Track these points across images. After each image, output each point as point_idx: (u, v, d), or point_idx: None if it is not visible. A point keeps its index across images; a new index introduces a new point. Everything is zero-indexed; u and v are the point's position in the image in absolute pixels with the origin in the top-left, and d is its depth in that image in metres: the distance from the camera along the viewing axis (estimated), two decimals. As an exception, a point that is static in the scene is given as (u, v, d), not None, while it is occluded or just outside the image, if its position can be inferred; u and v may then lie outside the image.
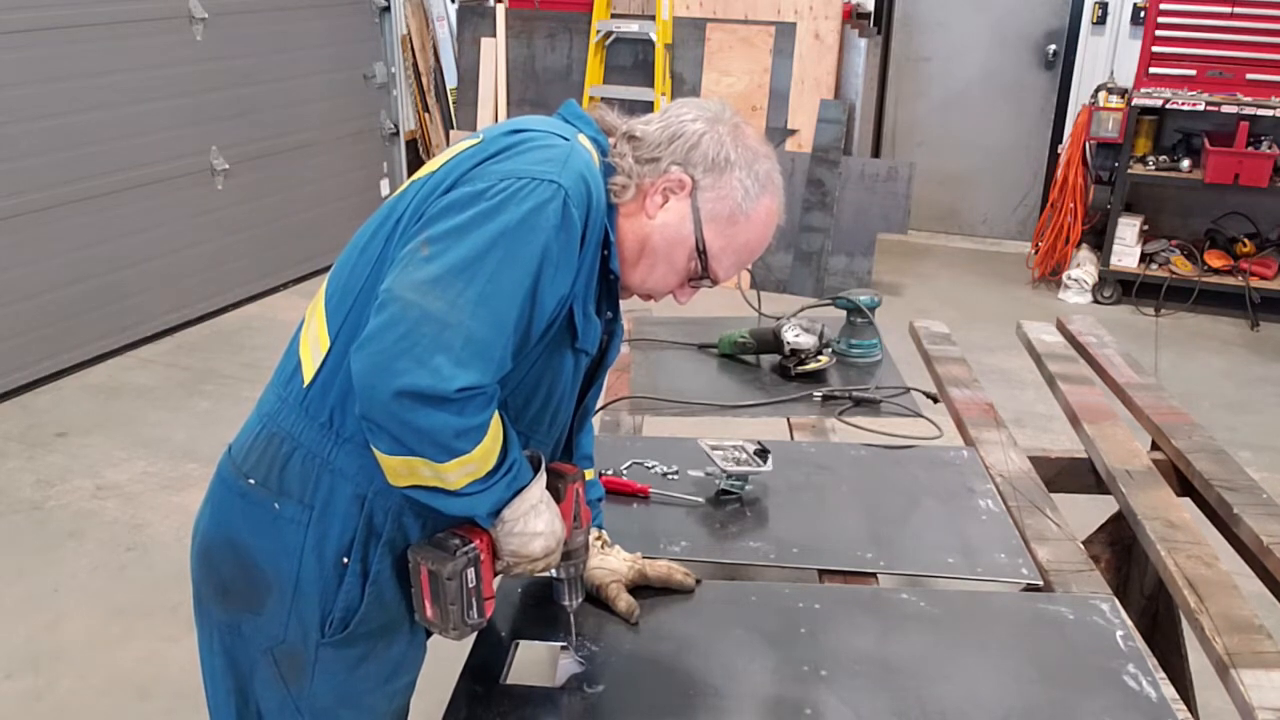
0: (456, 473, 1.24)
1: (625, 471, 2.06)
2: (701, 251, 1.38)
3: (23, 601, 3.09)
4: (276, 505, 1.35)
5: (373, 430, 1.22)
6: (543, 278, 1.23)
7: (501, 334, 1.21)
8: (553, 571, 1.48)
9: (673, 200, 1.37)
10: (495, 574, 1.39)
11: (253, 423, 1.41)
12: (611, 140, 1.40)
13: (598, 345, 1.44)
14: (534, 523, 1.34)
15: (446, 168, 1.31)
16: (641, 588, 1.65)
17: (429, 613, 1.35)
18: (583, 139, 1.35)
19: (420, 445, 1.20)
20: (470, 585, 1.33)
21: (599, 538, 1.67)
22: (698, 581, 1.68)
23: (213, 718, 1.51)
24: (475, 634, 1.39)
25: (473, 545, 1.33)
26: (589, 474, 1.68)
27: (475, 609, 1.35)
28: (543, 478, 1.37)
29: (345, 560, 1.34)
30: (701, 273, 1.40)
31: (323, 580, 1.35)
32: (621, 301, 1.48)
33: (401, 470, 1.25)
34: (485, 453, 1.25)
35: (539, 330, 1.28)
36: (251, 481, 1.36)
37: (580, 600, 1.53)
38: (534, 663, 1.55)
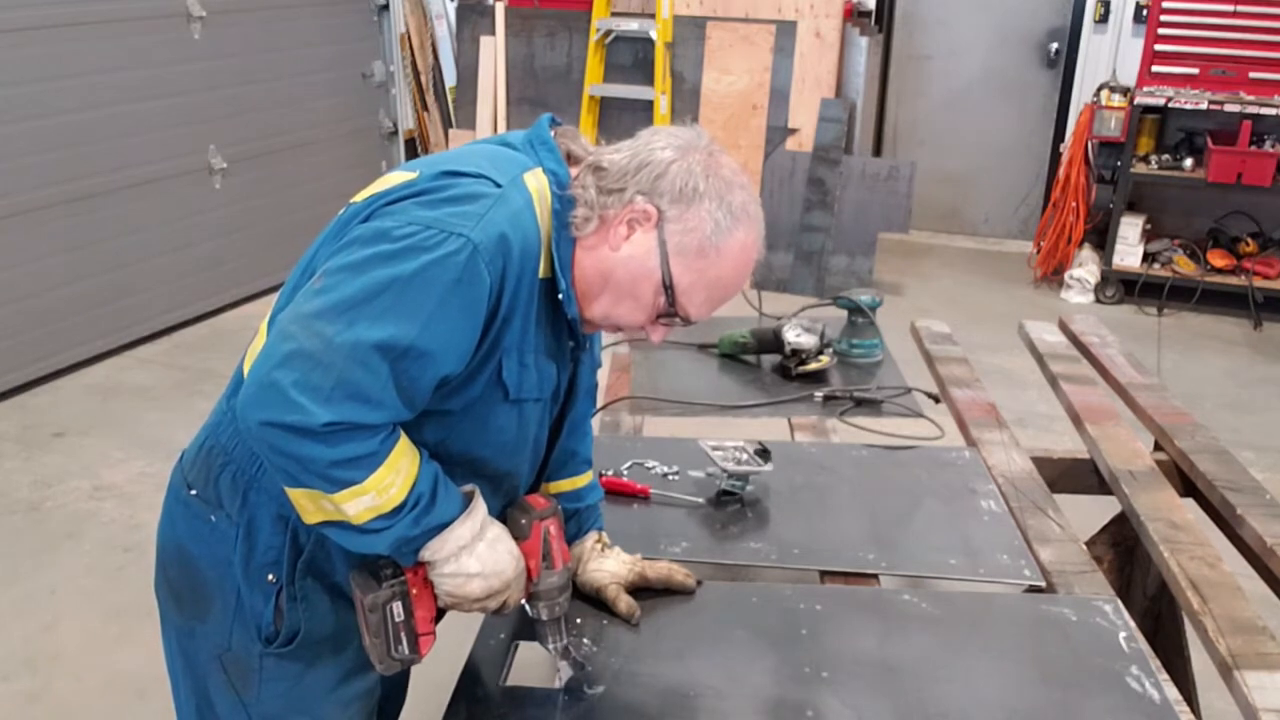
0: (353, 505, 1.21)
1: (625, 472, 2.05)
2: (668, 286, 1.31)
3: (20, 602, 3.08)
4: (212, 518, 1.36)
5: (265, 461, 1.23)
6: (430, 333, 1.18)
7: (376, 378, 1.17)
8: (528, 611, 1.44)
9: (638, 232, 1.30)
10: (439, 610, 1.36)
11: (200, 432, 1.42)
12: (574, 171, 1.34)
13: (553, 386, 1.39)
14: (467, 563, 1.30)
15: (375, 196, 1.29)
16: (642, 589, 1.64)
17: (364, 640, 1.32)
18: (532, 176, 1.30)
19: (303, 475, 1.19)
20: (397, 619, 1.30)
21: (599, 540, 1.65)
22: (699, 583, 1.66)
23: (178, 718, 1.52)
24: (406, 665, 1.34)
25: (402, 578, 1.30)
26: (587, 477, 1.66)
27: (405, 644, 1.31)
28: (477, 516, 1.32)
29: (271, 578, 1.35)
30: (669, 309, 1.33)
31: (254, 595, 1.35)
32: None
33: (307, 505, 1.25)
34: (382, 484, 1.21)
35: (429, 383, 1.22)
36: (193, 492, 1.38)
37: (564, 642, 1.46)
38: (534, 663, 1.54)
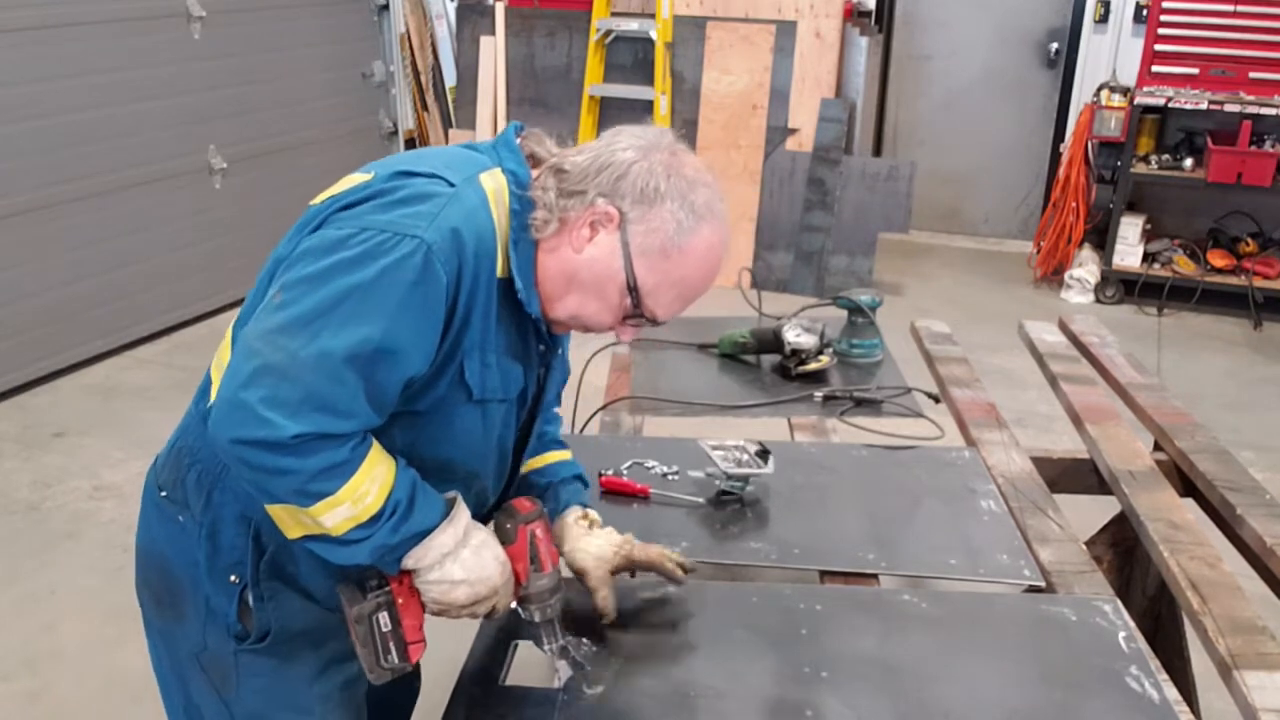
0: (330, 517, 1.22)
1: (625, 471, 2.05)
2: (633, 288, 1.31)
3: (19, 603, 3.08)
4: (180, 518, 1.37)
5: (242, 480, 1.24)
6: (394, 335, 1.19)
7: (344, 388, 1.17)
8: (521, 614, 1.43)
9: (601, 233, 1.30)
10: (425, 616, 1.36)
11: (172, 435, 1.43)
12: (535, 173, 1.33)
13: (520, 387, 1.39)
14: (451, 570, 1.31)
15: (331, 199, 1.30)
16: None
17: (356, 650, 1.33)
18: (489, 176, 1.30)
19: (279, 490, 1.20)
20: (384, 629, 1.30)
21: (584, 516, 1.58)
22: (689, 570, 1.62)
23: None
24: (397, 674, 1.35)
25: (387, 589, 1.30)
26: (560, 454, 1.62)
27: (394, 653, 1.32)
28: (460, 523, 1.32)
29: (234, 579, 1.35)
30: (636, 310, 1.33)
31: (218, 595, 1.36)
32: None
33: (287, 520, 1.27)
34: (358, 493, 1.22)
35: (396, 385, 1.23)
36: (164, 494, 1.39)
37: (560, 642, 1.45)
38: (534, 663, 1.54)
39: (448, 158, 1.33)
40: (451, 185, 1.26)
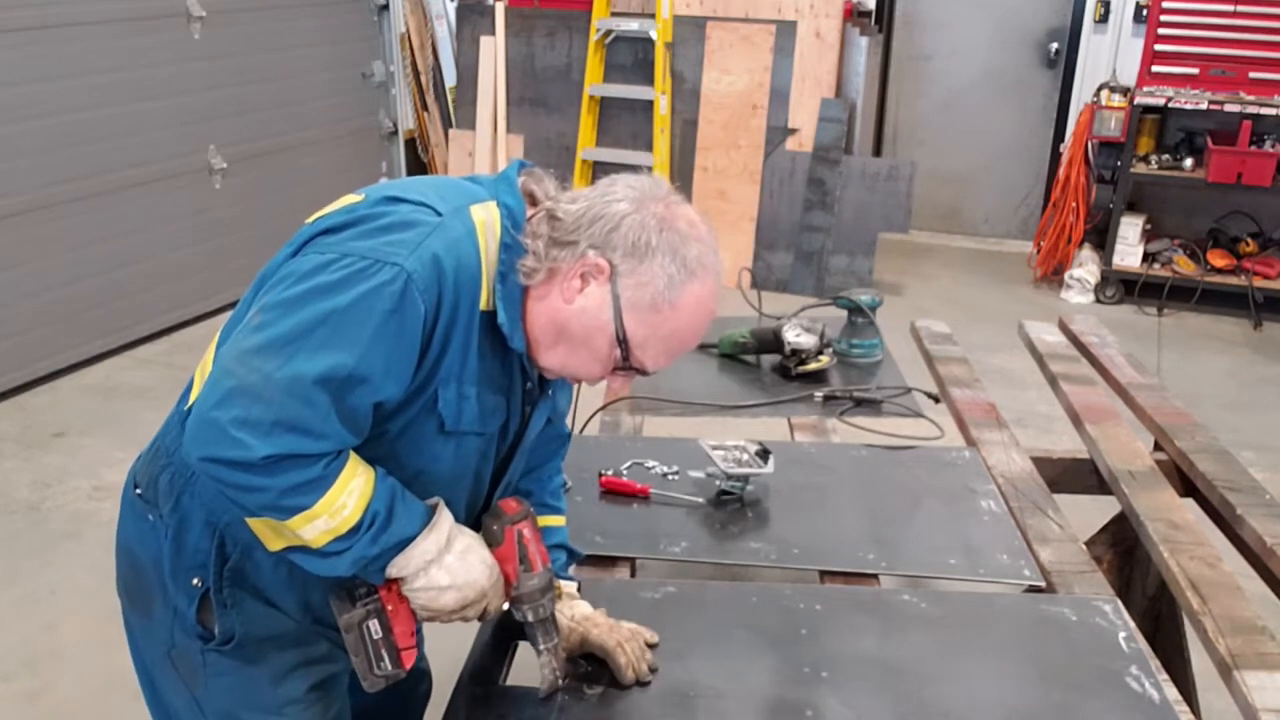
0: (308, 530, 1.23)
1: (625, 471, 2.05)
2: (623, 340, 1.30)
3: (19, 603, 3.08)
4: (150, 517, 1.38)
5: (222, 494, 1.26)
6: (367, 362, 1.19)
7: (316, 410, 1.18)
8: (514, 615, 1.43)
9: (592, 285, 1.29)
10: (418, 623, 1.36)
11: (155, 436, 1.44)
12: (530, 213, 1.32)
13: (500, 421, 1.38)
14: (437, 576, 1.31)
15: (321, 219, 1.31)
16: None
17: (350, 657, 1.34)
18: (481, 208, 1.29)
19: (251, 505, 1.22)
20: (374, 636, 1.31)
21: (556, 586, 1.50)
22: (652, 670, 1.50)
23: (151, 716, 1.54)
24: (391, 680, 1.35)
25: (375, 596, 1.31)
26: (555, 519, 1.61)
27: (386, 660, 1.32)
28: (442, 529, 1.31)
29: (196, 582, 1.36)
30: (625, 362, 1.32)
31: (179, 596, 1.37)
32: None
33: (267, 534, 1.28)
34: (334, 507, 1.22)
35: (367, 408, 1.23)
36: (138, 491, 1.41)
37: (555, 641, 1.44)
38: (534, 664, 1.54)
39: (442, 187, 1.33)
40: (439, 214, 1.26)
